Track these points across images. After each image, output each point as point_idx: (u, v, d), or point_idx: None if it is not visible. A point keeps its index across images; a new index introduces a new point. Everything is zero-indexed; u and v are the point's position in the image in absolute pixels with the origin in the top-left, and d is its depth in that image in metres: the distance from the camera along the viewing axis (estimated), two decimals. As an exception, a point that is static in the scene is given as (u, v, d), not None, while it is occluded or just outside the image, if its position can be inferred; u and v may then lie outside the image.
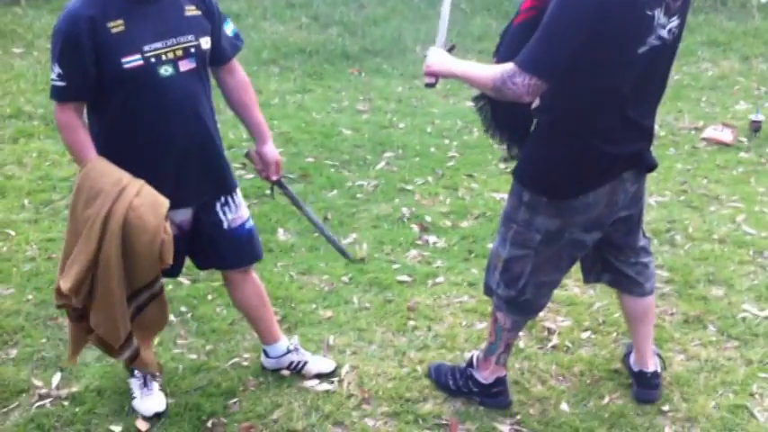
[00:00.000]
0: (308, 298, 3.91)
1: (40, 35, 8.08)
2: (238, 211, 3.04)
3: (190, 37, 2.76)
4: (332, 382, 3.31)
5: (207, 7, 2.86)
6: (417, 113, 6.58)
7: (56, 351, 3.48)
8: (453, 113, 6.57)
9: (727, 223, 4.63)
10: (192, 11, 2.80)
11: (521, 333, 3.46)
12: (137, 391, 3.15)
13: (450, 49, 2.84)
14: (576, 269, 3.92)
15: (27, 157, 5.36)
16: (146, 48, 2.65)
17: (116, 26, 2.61)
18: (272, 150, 3.15)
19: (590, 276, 3.21)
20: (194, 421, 3.09)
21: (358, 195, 5.06)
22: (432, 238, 4.53)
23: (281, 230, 4.56)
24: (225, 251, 3.05)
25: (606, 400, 3.20)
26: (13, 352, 3.48)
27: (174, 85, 2.73)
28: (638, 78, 2.58)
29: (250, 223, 3.11)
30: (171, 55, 2.71)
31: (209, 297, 3.89)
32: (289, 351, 3.34)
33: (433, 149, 5.81)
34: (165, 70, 2.70)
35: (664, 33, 2.53)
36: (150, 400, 3.12)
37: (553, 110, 2.66)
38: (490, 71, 2.56)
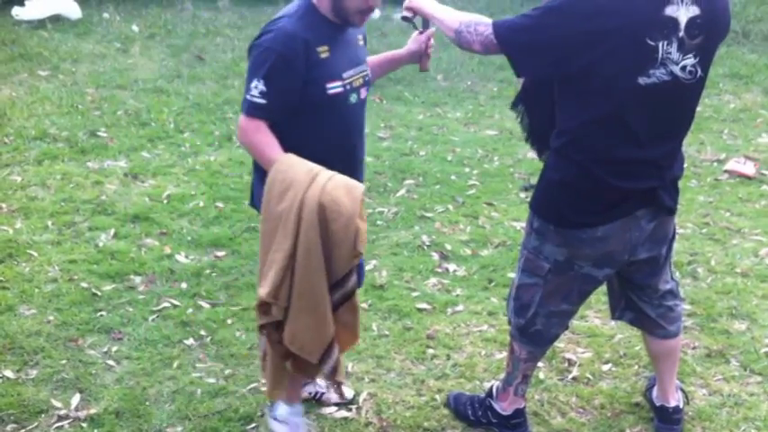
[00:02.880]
0: (328, 324, 3.90)
1: (66, 58, 8.18)
2: None
3: (365, 66, 2.87)
4: (350, 410, 3.30)
5: (365, 39, 2.96)
6: (438, 141, 6.59)
7: (75, 372, 3.48)
8: (474, 142, 6.58)
9: (749, 257, 4.59)
10: (360, 41, 2.90)
11: (541, 364, 3.44)
12: None
13: None
14: (596, 300, 3.94)
15: (51, 179, 5.41)
16: (344, 74, 2.72)
17: (324, 51, 2.65)
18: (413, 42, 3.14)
19: (615, 313, 3.17)
20: (212, 446, 3.09)
21: (378, 222, 5.06)
22: (451, 267, 4.52)
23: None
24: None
25: (627, 433, 3.17)
26: (33, 372, 3.49)
27: (356, 112, 2.83)
28: (650, 113, 2.54)
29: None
30: (357, 83, 2.79)
31: (229, 321, 3.89)
32: (305, 383, 3.29)
33: (453, 177, 5.81)
34: (353, 98, 2.77)
35: (676, 70, 2.48)
36: None
37: (564, 136, 2.65)
38: (463, 15, 2.68)
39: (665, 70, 2.47)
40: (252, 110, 2.62)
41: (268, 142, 2.64)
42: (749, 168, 5.93)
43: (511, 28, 2.55)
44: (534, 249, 2.85)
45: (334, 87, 2.68)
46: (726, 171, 5.96)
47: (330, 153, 2.72)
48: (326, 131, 2.73)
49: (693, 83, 2.54)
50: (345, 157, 2.82)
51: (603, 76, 2.46)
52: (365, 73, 2.85)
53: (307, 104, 2.66)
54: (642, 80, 2.46)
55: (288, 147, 2.65)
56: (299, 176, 2.52)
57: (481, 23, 2.59)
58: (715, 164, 6.13)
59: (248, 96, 2.62)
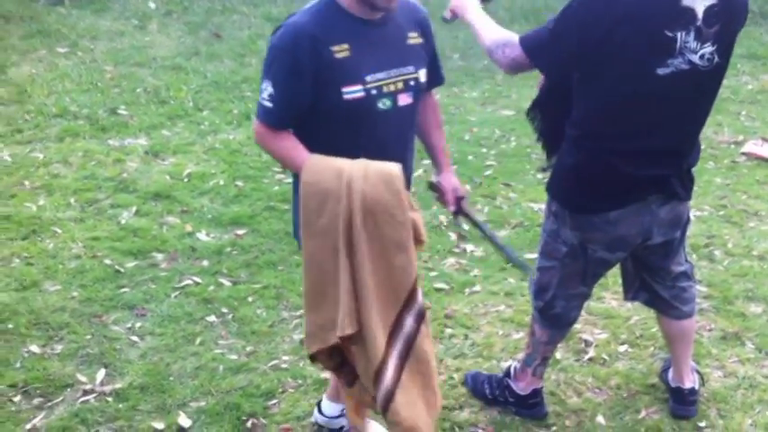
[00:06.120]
0: (347, 303, 3.95)
1: (84, 35, 8.22)
2: None
3: (411, 68, 2.47)
4: (370, 387, 3.36)
5: (427, 35, 2.57)
6: (455, 121, 6.61)
7: (100, 348, 3.55)
8: (491, 122, 6.59)
9: (766, 239, 4.61)
10: (414, 39, 2.51)
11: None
12: None
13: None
14: (612, 282, 3.97)
15: (73, 156, 5.46)
16: (368, 78, 2.36)
17: (341, 50, 2.32)
18: (451, 179, 2.84)
19: (629, 294, 3.21)
20: (234, 421, 3.15)
21: (396, 202, 5.08)
22: (469, 247, 4.56)
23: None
24: None
25: (642, 414, 3.21)
26: (59, 347, 3.57)
27: (390, 120, 2.45)
28: (669, 102, 2.57)
29: None
30: (392, 87, 2.42)
31: (250, 299, 3.95)
32: (341, 415, 3.09)
33: (470, 158, 5.83)
34: (384, 104, 2.41)
35: (695, 58, 2.50)
36: None
37: (580, 125, 2.68)
38: (494, 33, 2.70)
39: (683, 59, 2.49)
40: (262, 114, 2.40)
41: (289, 146, 2.41)
42: (766, 151, 5.92)
43: (537, 42, 2.60)
44: (552, 233, 2.89)
45: (353, 92, 2.35)
46: (743, 153, 5.96)
47: None
48: (349, 142, 2.41)
49: (711, 69, 2.56)
50: None
51: (621, 68, 2.50)
52: (409, 77, 2.46)
53: (322, 111, 2.38)
54: (660, 70, 2.48)
55: None
56: (332, 185, 2.27)
57: (508, 45, 2.63)
58: (732, 146, 6.13)
59: (260, 99, 2.41)
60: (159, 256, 4.31)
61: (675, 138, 2.68)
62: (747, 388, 3.34)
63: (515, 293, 4.05)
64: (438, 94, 7.11)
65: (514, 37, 2.64)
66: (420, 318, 2.38)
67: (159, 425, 3.12)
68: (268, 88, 2.35)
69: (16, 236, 4.43)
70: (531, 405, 3.19)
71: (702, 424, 3.14)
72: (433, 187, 2.89)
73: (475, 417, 3.20)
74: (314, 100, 2.35)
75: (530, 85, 7.48)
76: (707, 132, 6.26)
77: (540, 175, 5.47)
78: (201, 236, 4.53)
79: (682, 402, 3.18)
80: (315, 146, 2.40)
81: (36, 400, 3.26)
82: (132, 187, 5.07)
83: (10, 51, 7.61)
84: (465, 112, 6.86)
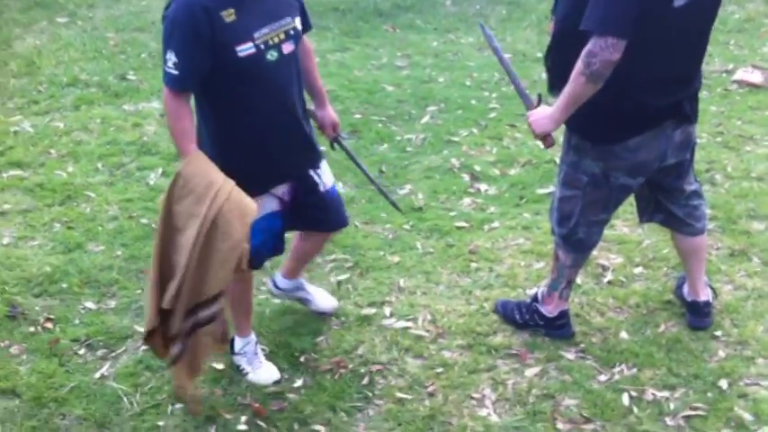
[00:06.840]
0: (375, 245, 4.19)
1: (81, 4, 8.31)
2: (327, 176, 3.22)
3: (288, 19, 2.86)
4: (408, 320, 3.61)
5: None
6: (455, 67, 6.79)
7: (151, 301, 3.78)
8: (489, 66, 6.76)
9: (763, 162, 4.85)
10: None
11: (579, 270, 3.74)
12: (247, 367, 3.33)
13: (539, 101, 3.08)
14: (622, 210, 4.21)
15: (92, 123, 5.63)
16: (256, 34, 2.73)
17: (229, 15, 2.66)
18: (329, 113, 3.35)
19: (644, 216, 3.47)
20: (288, 357, 3.41)
21: (408, 149, 5.31)
22: (483, 186, 4.79)
23: (340, 184, 4.81)
24: (326, 213, 3.23)
25: (662, 328, 3.48)
26: (112, 303, 3.80)
27: (279, 68, 2.83)
28: (682, 32, 2.80)
29: (336, 188, 3.29)
30: (276, 39, 2.80)
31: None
32: (299, 288, 3.63)
33: (474, 102, 6.03)
34: (271, 55, 2.79)
35: None
36: (265, 371, 3.31)
37: None
38: (573, 75, 2.75)
39: None
40: (169, 81, 2.69)
41: (185, 132, 2.74)
42: (757, 77, 6.15)
43: (609, 19, 2.64)
44: (572, 164, 3.13)
45: (246, 49, 2.70)
46: (735, 81, 6.19)
47: (263, 117, 2.86)
48: (248, 93, 2.79)
49: None
50: (283, 118, 2.93)
51: (644, 5, 2.68)
52: (288, 27, 2.85)
53: (222, 70, 2.71)
54: (677, 2, 2.70)
55: (217, 116, 2.84)
56: (199, 189, 2.61)
57: (590, 50, 2.67)
58: (724, 74, 6.35)
59: (165, 67, 2.70)
60: (192, 213, 4.52)
61: (686, 65, 2.93)
62: (757, 298, 3.62)
63: (532, 227, 4.30)
64: (435, 42, 7.31)
65: (588, 46, 2.68)
66: (212, 318, 2.75)
67: (220, 365, 3.37)
68: (172, 57, 2.66)
69: (53, 202, 4.63)
70: (559, 326, 3.45)
71: (718, 333, 3.42)
72: (312, 116, 3.32)
73: (508, 340, 3.47)
74: (213, 61, 2.69)
75: (522, 27, 7.69)
76: (699, 63, 6.47)
77: (543, 115, 5.68)
78: (229, 192, 4.73)
79: (698, 314, 3.46)
80: (222, 104, 2.82)
81: (100, 352, 3.49)
82: (154, 150, 5.25)
83: (12, 25, 7.71)
84: (463, 58, 7.04)
